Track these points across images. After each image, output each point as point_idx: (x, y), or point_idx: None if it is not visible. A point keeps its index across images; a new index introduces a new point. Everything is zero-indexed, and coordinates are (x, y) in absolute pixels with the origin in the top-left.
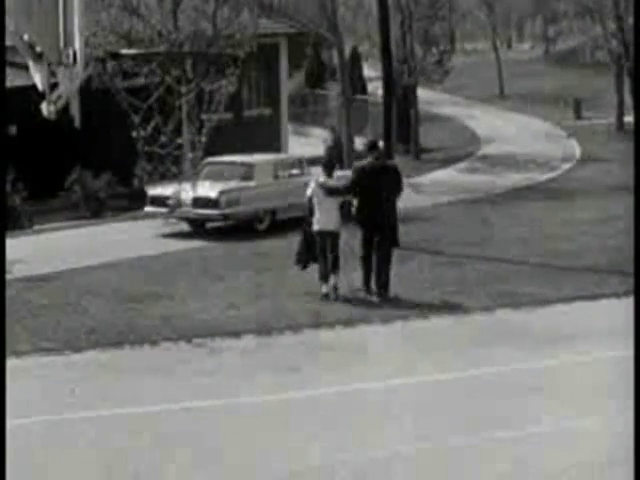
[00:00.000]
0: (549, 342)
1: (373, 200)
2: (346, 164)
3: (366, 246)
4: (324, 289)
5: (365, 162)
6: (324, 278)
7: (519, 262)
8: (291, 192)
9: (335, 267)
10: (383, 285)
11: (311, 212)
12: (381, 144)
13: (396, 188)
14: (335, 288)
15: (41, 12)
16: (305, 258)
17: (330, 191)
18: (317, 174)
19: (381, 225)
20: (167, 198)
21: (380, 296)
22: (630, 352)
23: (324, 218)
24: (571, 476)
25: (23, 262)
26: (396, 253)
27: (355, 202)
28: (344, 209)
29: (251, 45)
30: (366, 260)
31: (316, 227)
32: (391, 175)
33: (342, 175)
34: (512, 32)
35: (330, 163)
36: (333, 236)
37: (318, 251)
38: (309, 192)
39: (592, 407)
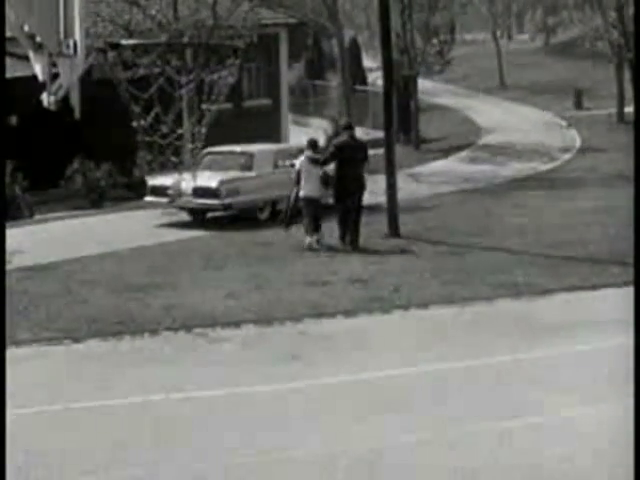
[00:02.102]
0: (549, 332)
1: (348, 170)
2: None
3: (342, 209)
4: (307, 240)
5: (342, 139)
6: (308, 232)
7: (519, 252)
8: (291, 182)
9: (317, 226)
10: (356, 239)
11: (298, 182)
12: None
13: (364, 161)
14: (318, 241)
15: (42, 3)
16: (286, 220)
17: (315, 161)
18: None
19: (354, 191)
20: (167, 188)
21: (354, 248)
22: (630, 341)
23: (309, 187)
24: (572, 465)
25: (23, 252)
26: (397, 242)
27: (333, 171)
28: (324, 179)
29: (251, 35)
30: (342, 220)
31: (302, 193)
32: (361, 151)
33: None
34: (512, 23)
35: (314, 141)
36: (316, 201)
37: (304, 213)
38: (297, 165)
39: (593, 396)
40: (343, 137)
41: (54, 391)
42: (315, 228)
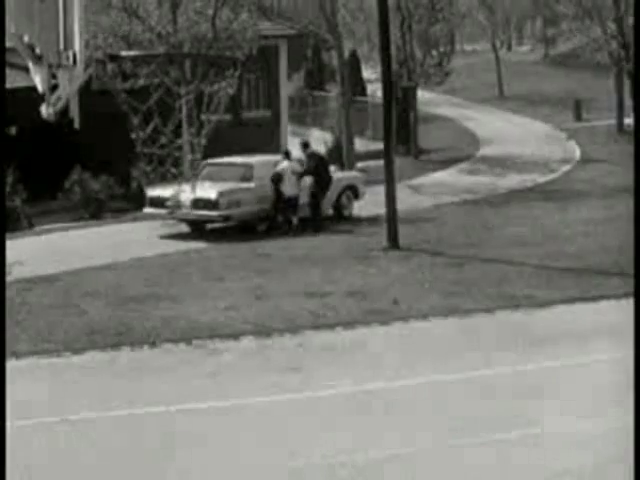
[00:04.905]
0: (549, 343)
1: (320, 177)
2: (347, 165)
3: (315, 202)
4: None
5: (315, 155)
6: (289, 221)
7: (519, 263)
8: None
9: (294, 214)
10: (314, 225)
11: (277, 182)
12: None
13: (327, 170)
14: (296, 227)
15: (41, 14)
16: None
17: (298, 175)
18: (281, 160)
19: (313, 190)
20: (166, 199)
21: (317, 231)
22: (630, 353)
23: (289, 187)
24: (571, 478)
25: (23, 263)
26: (397, 254)
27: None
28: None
29: (251, 47)
30: (315, 209)
31: (285, 193)
32: (325, 163)
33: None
34: (512, 34)
35: (287, 152)
36: (294, 198)
37: (284, 207)
38: (278, 169)
39: (592, 408)
40: (305, 154)
41: (53, 403)
42: (293, 216)
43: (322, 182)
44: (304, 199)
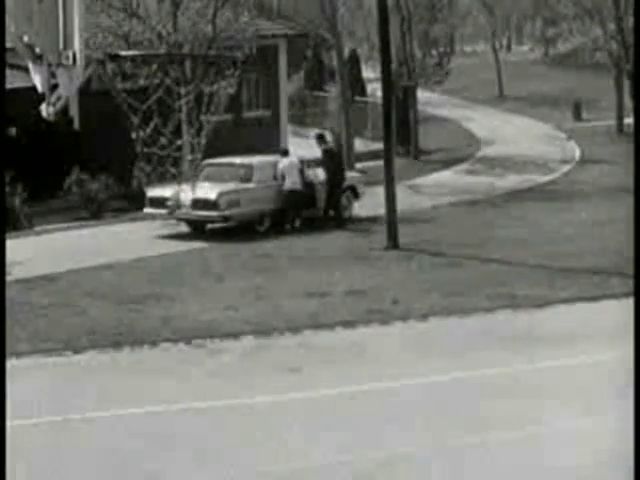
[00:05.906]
0: (549, 343)
1: (333, 171)
2: (346, 165)
3: (333, 194)
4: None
5: (328, 152)
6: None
7: (519, 264)
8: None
9: (300, 209)
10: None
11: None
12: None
13: (340, 167)
14: (300, 222)
15: (41, 14)
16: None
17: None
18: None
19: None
20: (166, 199)
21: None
22: (630, 353)
23: (290, 182)
24: (571, 476)
25: (23, 263)
26: (396, 254)
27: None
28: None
29: (250, 47)
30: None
31: (287, 187)
32: (338, 159)
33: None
34: (511, 34)
35: (285, 150)
36: (298, 192)
37: (289, 202)
38: (280, 167)
39: (592, 408)
40: (322, 146)
41: (53, 402)
42: (299, 211)
43: (335, 179)
44: (319, 194)
